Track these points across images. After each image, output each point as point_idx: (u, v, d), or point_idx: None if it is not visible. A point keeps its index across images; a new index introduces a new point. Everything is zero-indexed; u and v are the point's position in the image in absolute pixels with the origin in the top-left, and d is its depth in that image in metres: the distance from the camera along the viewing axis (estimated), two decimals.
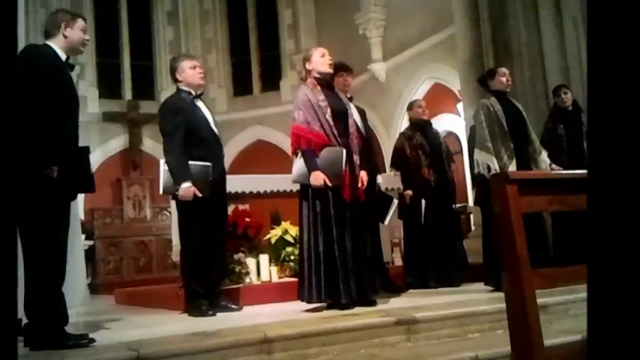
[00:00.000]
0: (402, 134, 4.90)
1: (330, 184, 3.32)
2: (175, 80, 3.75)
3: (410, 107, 5.01)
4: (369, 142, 4.32)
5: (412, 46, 8.53)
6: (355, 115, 4.21)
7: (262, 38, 11.44)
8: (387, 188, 4.87)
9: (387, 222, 4.42)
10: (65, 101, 2.70)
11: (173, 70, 3.75)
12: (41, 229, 2.55)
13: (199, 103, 3.71)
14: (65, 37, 2.76)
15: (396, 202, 4.40)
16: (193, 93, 3.71)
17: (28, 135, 2.49)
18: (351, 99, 4.29)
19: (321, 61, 3.53)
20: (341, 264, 3.29)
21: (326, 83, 3.55)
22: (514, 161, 3.79)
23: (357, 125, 3.91)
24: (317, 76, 3.54)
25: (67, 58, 2.80)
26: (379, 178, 4.46)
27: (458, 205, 5.01)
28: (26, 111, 2.50)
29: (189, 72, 3.70)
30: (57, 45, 2.76)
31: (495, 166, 3.77)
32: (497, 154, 3.83)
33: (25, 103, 2.50)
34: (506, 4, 5.63)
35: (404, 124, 6.85)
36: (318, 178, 3.32)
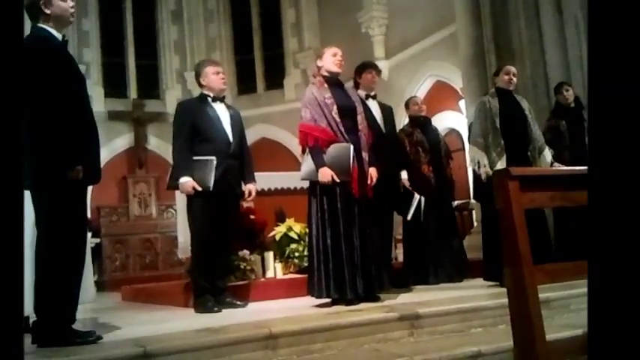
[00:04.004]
0: (401, 130, 4.91)
1: (337, 180, 3.35)
2: (199, 84, 3.87)
3: (407, 105, 5.06)
4: (390, 139, 4.35)
5: (414, 44, 8.55)
6: (376, 112, 4.29)
7: (266, 37, 11.47)
8: None
9: (409, 217, 4.44)
10: (74, 85, 2.67)
11: (197, 75, 3.87)
12: (61, 221, 2.57)
13: (218, 106, 3.80)
14: (48, 14, 2.66)
15: (417, 197, 4.41)
16: (212, 96, 3.81)
17: (48, 135, 2.51)
18: (374, 97, 4.36)
19: (331, 60, 3.58)
20: (348, 260, 3.32)
21: (334, 81, 3.58)
22: (504, 158, 3.82)
23: (371, 122, 3.96)
24: (325, 74, 3.58)
25: (63, 36, 2.71)
26: (403, 174, 4.47)
27: (460, 202, 5.03)
28: (42, 109, 2.51)
29: (213, 77, 3.81)
30: (46, 24, 2.66)
31: (485, 162, 3.84)
32: (487, 151, 3.88)
33: (40, 100, 2.51)
34: (507, 2, 5.64)
35: (406, 121, 6.87)
36: (325, 175, 3.35)
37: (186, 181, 3.54)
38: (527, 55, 5.53)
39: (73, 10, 2.76)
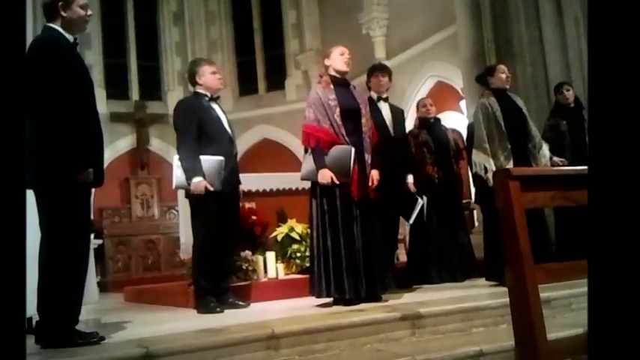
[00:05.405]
0: (409, 132, 4.95)
1: (337, 182, 3.36)
2: (194, 83, 3.83)
3: (417, 107, 5.14)
4: (398, 142, 4.35)
5: (415, 45, 8.56)
6: (386, 114, 4.32)
7: (267, 38, 11.49)
8: None
9: (411, 221, 4.45)
10: (84, 87, 2.68)
11: (193, 74, 3.82)
12: (65, 222, 2.58)
13: (214, 105, 3.79)
14: (64, 17, 2.69)
15: (421, 201, 4.41)
16: (209, 96, 3.79)
17: (58, 136, 2.52)
18: (386, 99, 4.38)
19: (339, 58, 3.59)
20: (347, 261, 3.33)
21: (340, 81, 3.59)
22: (511, 161, 3.80)
23: (380, 124, 3.98)
24: (333, 73, 3.60)
25: (74, 39, 2.74)
26: (409, 178, 4.45)
27: (462, 202, 5.04)
28: (53, 110, 2.52)
29: (210, 77, 3.79)
30: (59, 26, 2.70)
31: (492, 166, 3.81)
32: (494, 155, 3.86)
33: (51, 101, 2.53)
34: (507, 3, 5.65)
35: (408, 122, 6.88)
36: (325, 176, 3.36)
37: (199, 180, 3.52)
38: (528, 56, 5.54)
39: (88, 19, 2.80)
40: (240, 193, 3.88)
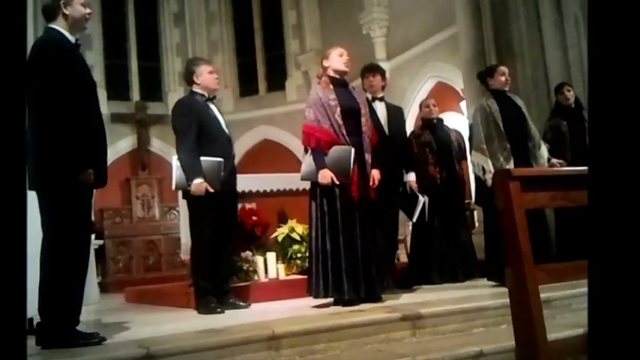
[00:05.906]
0: (411, 133, 4.96)
1: (337, 182, 3.36)
2: (191, 82, 3.80)
3: (420, 107, 5.17)
4: (397, 141, 4.34)
5: (415, 46, 8.56)
6: (381, 114, 4.32)
7: (267, 39, 11.49)
8: None
9: (414, 219, 4.45)
10: (87, 88, 2.69)
11: (191, 73, 3.79)
12: (67, 223, 2.58)
13: (211, 106, 3.78)
14: (66, 15, 2.70)
15: (422, 199, 4.42)
16: (206, 96, 3.78)
17: (61, 137, 2.52)
18: (381, 99, 4.39)
19: (338, 59, 3.60)
20: (346, 261, 3.33)
21: (340, 82, 3.60)
22: (511, 162, 3.81)
23: (375, 124, 3.98)
24: (331, 74, 3.60)
25: (76, 40, 2.76)
26: (410, 176, 4.43)
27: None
28: (56, 111, 2.53)
29: (207, 76, 3.78)
30: (61, 26, 2.71)
31: (490, 167, 3.82)
32: (493, 155, 3.86)
33: (54, 102, 2.53)
34: (507, 3, 5.65)
35: (409, 122, 6.87)
36: (325, 176, 3.37)
37: (200, 182, 3.52)
38: (528, 56, 5.54)
39: (89, 17, 2.81)
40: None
